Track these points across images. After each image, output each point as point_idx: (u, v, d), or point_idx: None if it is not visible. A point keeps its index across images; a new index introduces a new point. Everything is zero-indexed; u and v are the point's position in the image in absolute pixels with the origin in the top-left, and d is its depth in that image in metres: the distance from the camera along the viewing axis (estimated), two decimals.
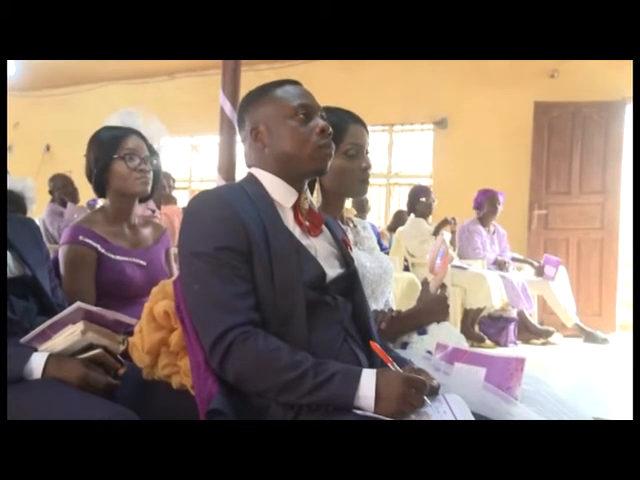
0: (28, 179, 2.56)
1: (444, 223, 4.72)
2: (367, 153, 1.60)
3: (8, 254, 1.46)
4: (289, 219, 1.25)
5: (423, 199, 4.91)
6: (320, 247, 1.27)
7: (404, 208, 5.33)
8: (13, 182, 2.42)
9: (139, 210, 2.07)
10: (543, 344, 4.77)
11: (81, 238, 1.79)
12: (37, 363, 1.26)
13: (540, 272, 4.96)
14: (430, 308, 1.62)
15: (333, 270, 1.26)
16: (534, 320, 4.95)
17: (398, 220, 5.71)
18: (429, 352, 1.49)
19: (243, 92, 1.38)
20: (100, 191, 1.90)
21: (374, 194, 6.73)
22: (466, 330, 4.41)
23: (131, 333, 1.32)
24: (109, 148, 1.83)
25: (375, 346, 1.19)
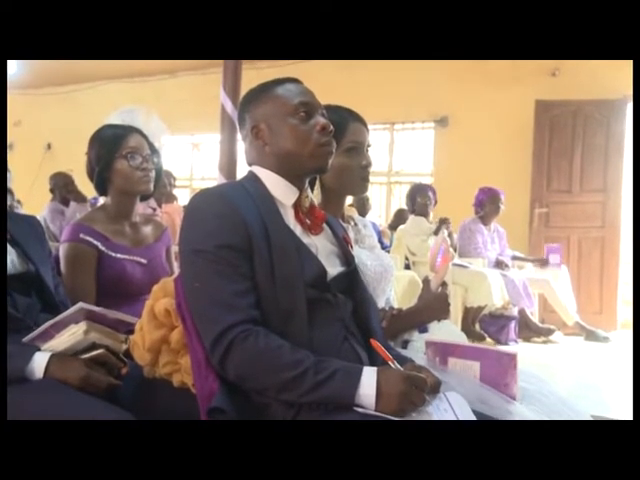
0: None
1: (441, 223, 4.71)
2: (368, 151, 1.60)
3: (12, 250, 1.46)
4: (290, 217, 1.25)
5: (419, 199, 4.92)
6: (321, 245, 1.27)
7: (405, 206, 5.33)
8: None
9: (140, 208, 2.07)
10: (544, 342, 4.77)
11: (82, 236, 1.79)
12: (39, 362, 1.26)
13: (545, 264, 4.96)
14: (431, 306, 1.62)
15: (334, 268, 1.26)
16: (535, 318, 4.94)
17: (399, 218, 5.71)
18: None
19: (244, 90, 1.38)
20: (101, 189, 1.90)
21: (375, 192, 6.73)
22: (467, 328, 4.41)
23: (133, 332, 1.32)
24: (111, 146, 1.83)
25: (375, 344, 1.18)
